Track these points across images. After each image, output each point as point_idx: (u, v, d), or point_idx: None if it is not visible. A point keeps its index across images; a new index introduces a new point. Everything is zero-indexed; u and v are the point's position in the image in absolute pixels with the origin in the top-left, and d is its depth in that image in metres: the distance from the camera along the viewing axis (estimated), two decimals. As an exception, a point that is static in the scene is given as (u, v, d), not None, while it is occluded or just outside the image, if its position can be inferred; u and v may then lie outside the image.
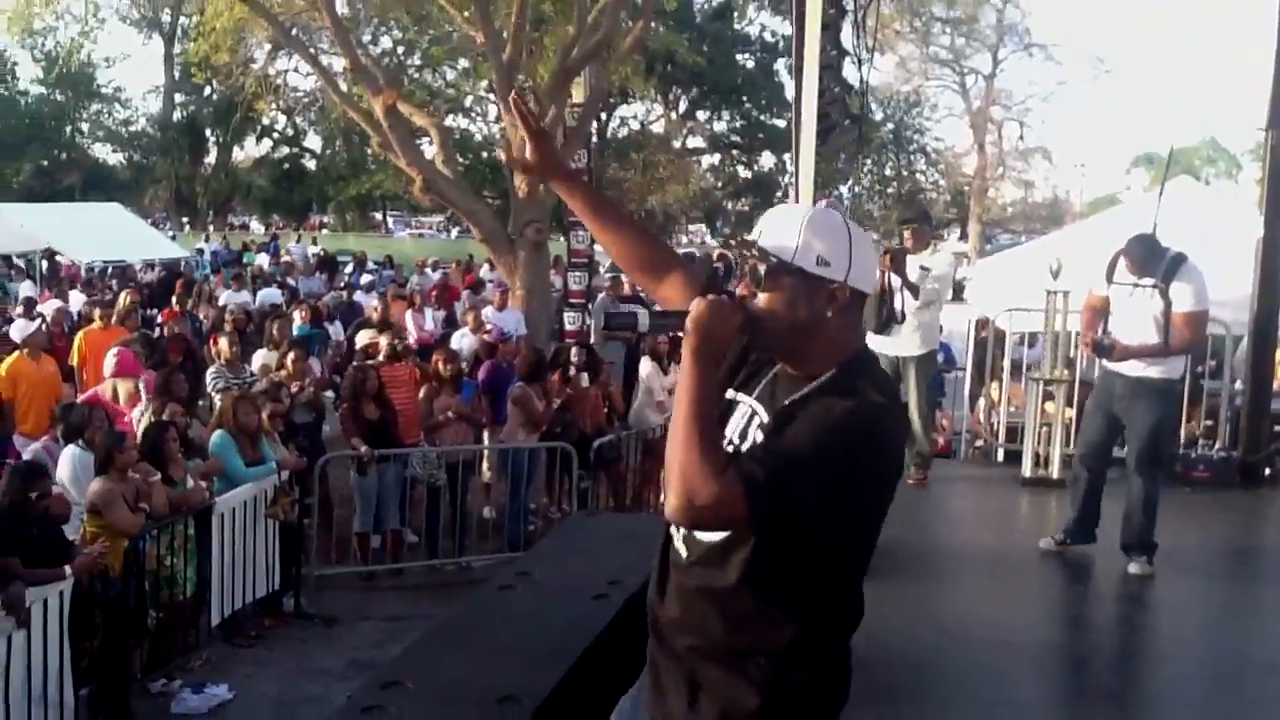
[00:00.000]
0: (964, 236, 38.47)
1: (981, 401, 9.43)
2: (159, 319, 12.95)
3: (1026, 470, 7.25)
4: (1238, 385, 8.14)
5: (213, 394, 8.82)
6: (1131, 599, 5.32)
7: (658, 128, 38.96)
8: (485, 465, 9.50)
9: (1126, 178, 53.52)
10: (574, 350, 9.84)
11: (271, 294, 16.64)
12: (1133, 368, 5.45)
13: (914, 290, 6.69)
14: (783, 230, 2.10)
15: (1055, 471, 7.23)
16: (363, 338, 10.46)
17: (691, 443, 1.98)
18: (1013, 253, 14.94)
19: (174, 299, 13.46)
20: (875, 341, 7.03)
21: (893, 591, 4.70)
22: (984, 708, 4.19)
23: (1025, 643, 4.69)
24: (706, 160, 41.35)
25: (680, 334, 2.09)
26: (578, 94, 13.64)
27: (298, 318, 12.54)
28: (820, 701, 2.16)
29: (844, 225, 2.09)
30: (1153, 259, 5.34)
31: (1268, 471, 7.64)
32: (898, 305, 6.84)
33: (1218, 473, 7.36)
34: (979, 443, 8.67)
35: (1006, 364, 8.56)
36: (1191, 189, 12.07)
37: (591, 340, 13.35)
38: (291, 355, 9.31)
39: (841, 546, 2.10)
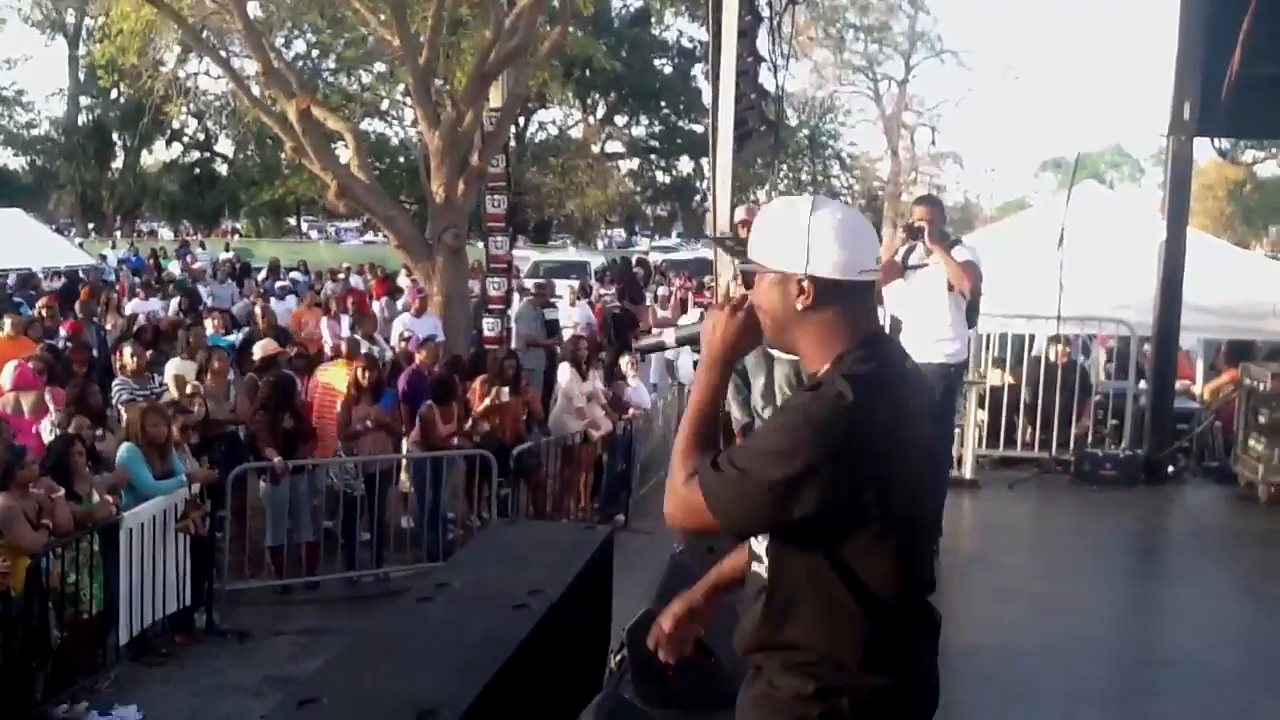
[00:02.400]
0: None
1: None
2: (62, 329, 12.56)
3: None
4: (1142, 385, 8.38)
5: (118, 406, 8.58)
6: (1037, 595, 5.43)
7: (576, 133, 39.00)
8: (403, 474, 9.38)
9: (1035, 181, 54.95)
10: (506, 363, 9.72)
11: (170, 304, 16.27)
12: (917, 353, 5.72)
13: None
14: (755, 226, 2.12)
15: (968, 472, 7.37)
16: (261, 348, 10.20)
17: (677, 448, 2.04)
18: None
19: (76, 307, 13.08)
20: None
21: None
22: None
23: (946, 643, 4.76)
24: (625, 165, 41.53)
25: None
26: (495, 98, 13.53)
27: (210, 326, 12.27)
28: None
29: (801, 213, 2.03)
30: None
31: (1171, 469, 7.88)
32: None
33: (1124, 471, 7.57)
34: None
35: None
36: (1097, 194, 12.42)
37: (512, 345, 13.29)
38: (215, 360, 9.11)
39: (830, 546, 1.97)
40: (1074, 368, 8.77)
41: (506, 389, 9.35)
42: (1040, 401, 8.49)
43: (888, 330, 4.81)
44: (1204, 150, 9.09)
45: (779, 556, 2.03)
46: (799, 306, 2.02)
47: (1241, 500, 7.39)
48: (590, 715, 2.88)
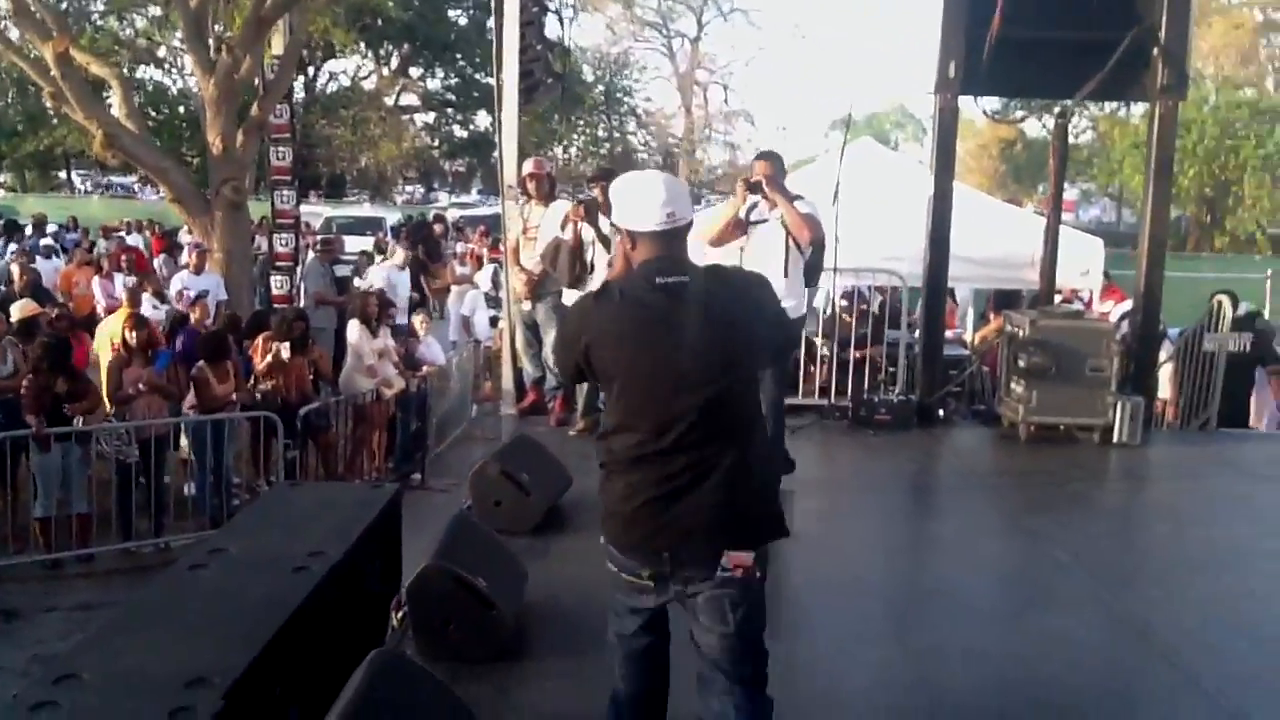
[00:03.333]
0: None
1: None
2: None
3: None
4: (916, 334, 8.80)
5: None
6: (813, 536, 5.66)
7: (369, 85, 37.85)
8: (183, 439, 8.97)
9: (825, 140, 56.62)
10: (295, 323, 9.36)
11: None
12: None
13: (606, 243, 6.79)
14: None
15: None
16: (19, 309, 9.54)
17: None
18: (710, 212, 15.50)
19: None
20: (569, 296, 7.14)
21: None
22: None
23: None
24: (420, 119, 40.59)
25: None
26: (277, 45, 12.97)
27: (-37, 286, 11.41)
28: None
29: (629, 180, 3.16)
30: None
31: (941, 412, 8.34)
32: (588, 258, 6.97)
33: (897, 415, 7.94)
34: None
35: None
36: (876, 151, 12.88)
37: (301, 303, 12.87)
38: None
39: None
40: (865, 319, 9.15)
41: (287, 345, 9.04)
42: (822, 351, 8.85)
43: None
44: (980, 112, 9.55)
45: None
46: (627, 246, 3.09)
47: (1004, 440, 7.88)
48: (361, 673, 2.84)
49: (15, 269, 11.98)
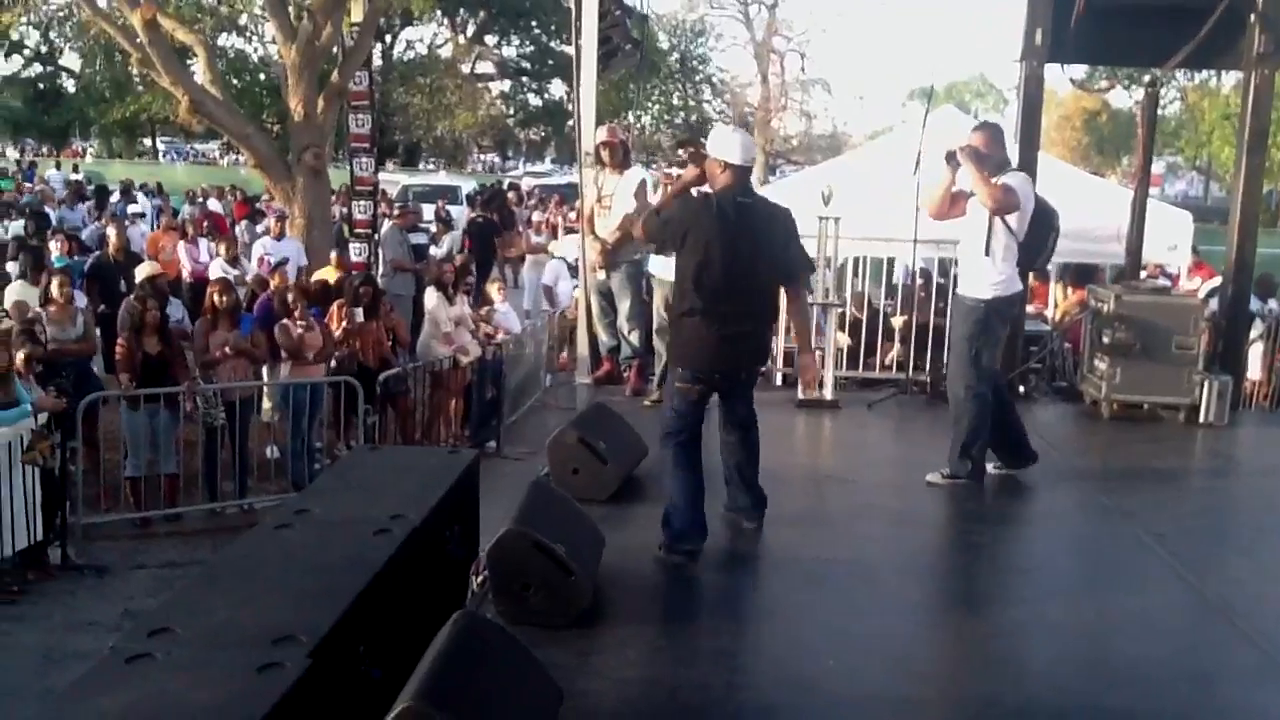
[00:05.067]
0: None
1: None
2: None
3: (801, 393, 7.54)
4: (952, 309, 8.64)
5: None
6: (892, 510, 5.63)
7: (445, 52, 38.01)
8: (267, 403, 9.17)
9: (903, 110, 55.75)
10: (360, 286, 9.54)
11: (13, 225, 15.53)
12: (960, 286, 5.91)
13: None
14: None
15: (829, 393, 7.55)
16: (146, 269, 9.86)
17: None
18: (789, 181, 15.36)
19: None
20: (656, 263, 7.14)
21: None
22: (763, 616, 4.38)
23: (805, 557, 4.92)
24: (496, 87, 40.69)
25: None
26: (356, 12, 13.08)
27: (55, 248, 11.74)
28: None
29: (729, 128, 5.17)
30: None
31: (1022, 389, 8.20)
32: None
33: (977, 390, 7.81)
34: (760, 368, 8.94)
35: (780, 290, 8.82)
36: (958, 121, 12.62)
37: (380, 271, 13.04)
38: (56, 281, 8.72)
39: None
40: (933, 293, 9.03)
41: (360, 310, 9.19)
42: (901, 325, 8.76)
43: None
44: (1064, 82, 9.33)
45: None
46: (718, 170, 4.69)
47: (1086, 417, 7.73)
48: (446, 633, 2.89)
49: (112, 232, 12.28)
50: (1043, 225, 5.75)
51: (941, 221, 5.99)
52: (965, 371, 5.80)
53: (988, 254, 5.63)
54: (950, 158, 5.66)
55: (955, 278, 7.45)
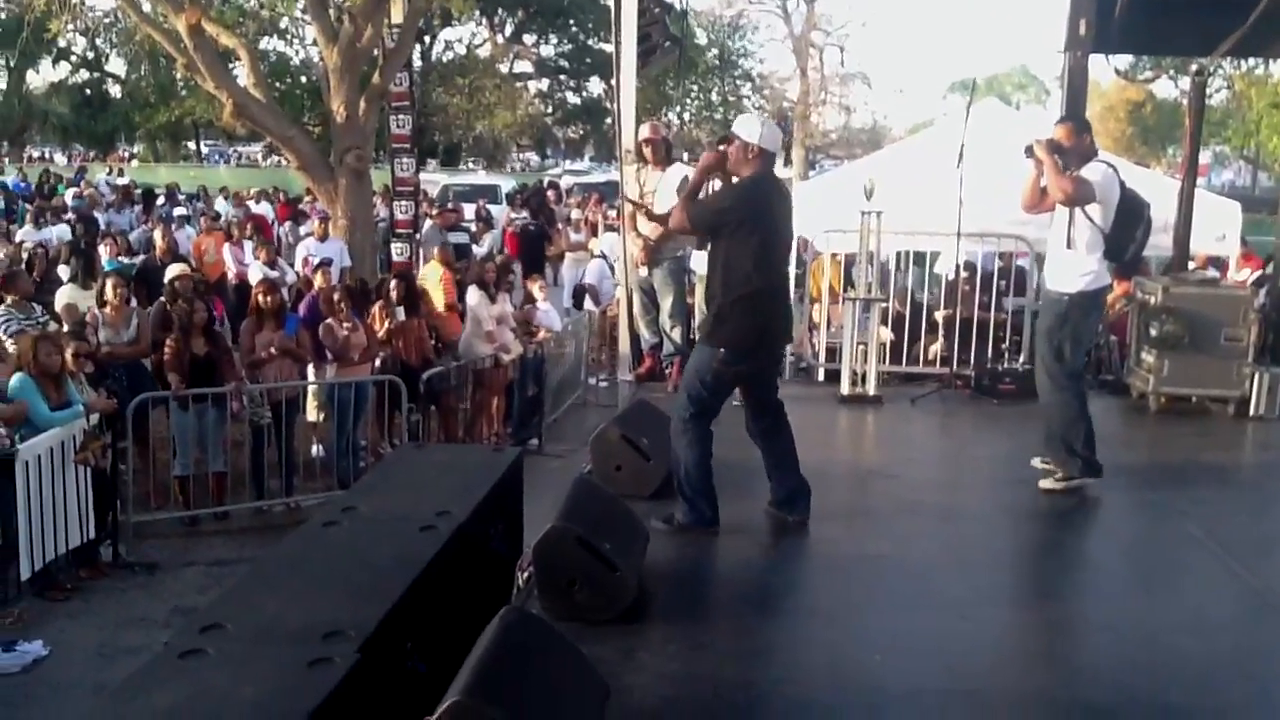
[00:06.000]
0: (788, 162, 39.13)
1: (804, 322, 9.67)
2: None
3: (845, 388, 7.50)
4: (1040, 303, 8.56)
5: (3, 338, 8.30)
6: (936, 505, 5.59)
7: (484, 52, 38.15)
8: (311, 402, 9.26)
9: (944, 104, 55.36)
10: (394, 284, 9.62)
11: (60, 230, 15.76)
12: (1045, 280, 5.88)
13: None
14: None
15: (871, 389, 7.51)
16: (174, 270, 9.99)
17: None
18: (830, 176, 15.27)
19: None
20: (699, 259, 7.12)
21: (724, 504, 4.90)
22: (805, 613, 4.37)
23: (850, 553, 4.90)
24: (535, 86, 40.78)
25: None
26: (396, 13, 13.17)
27: (105, 252, 11.93)
28: None
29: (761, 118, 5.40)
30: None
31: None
32: None
33: (1022, 385, 7.73)
34: (802, 363, 8.91)
35: (825, 285, 8.80)
36: (1001, 113, 12.53)
37: (420, 270, 13.12)
38: (111, 284, 8.85)
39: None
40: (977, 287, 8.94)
41: (401, 309, 9.26)
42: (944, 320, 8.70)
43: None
44: (1106, 73, 9.23)
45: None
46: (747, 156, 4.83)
47: (1134, 411, 7.64)
48: (493, 629, 2.91)
49: (158, 235, 12.47)
50: (1131, 217, 5.59)
51: (1034, 214, 5.92)
52: (1050, 367, 5.70)
53: (1069, 247, 5.55)
54: (1029, 151, 5.60)
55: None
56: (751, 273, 4.66)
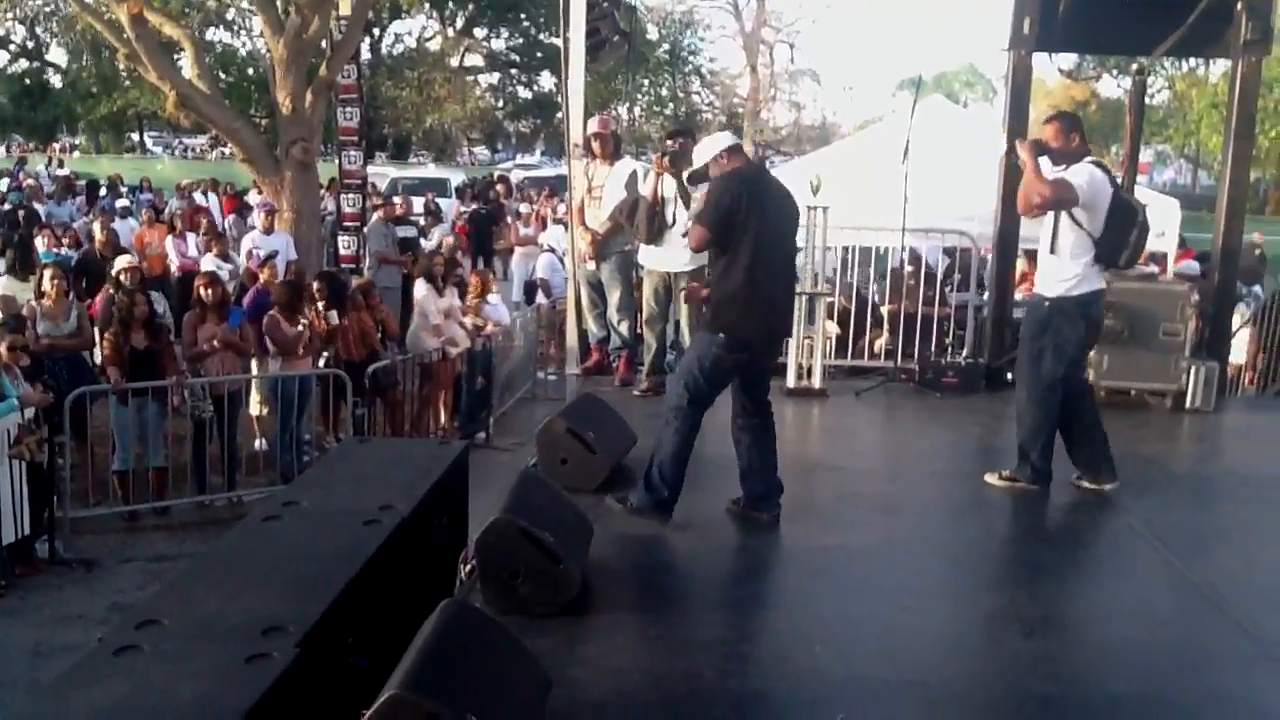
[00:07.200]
0: (740, 158, 39.20)
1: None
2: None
3: (790, 382, 7.54)
4: (985, 296, 8.67)
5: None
6: (878, 496, 5.64)
7: (434, 45, 37.87)
8: (255, 395, 9.15)
9: (892, 101, 55.71)
10: (315, 286, 9.44)
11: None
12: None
13: (686, 198, 6.64)
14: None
15: (817, 382, 7.56)
16: (121, 262, 9.82)
17: None
18: (779, 172, 15.32)
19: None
20: (645, 254, 7.13)
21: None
22: (742, 602, 4.39)
23: (795, 545, 4.93)
24: (485, 80, 40.53)
25: None
26: (344, 5, 13.03)
27: (42, 244, 11.71)
28: None
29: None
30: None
31: (1009, 375, 8.20)
32: (669, 214, 6.90)
33: (965, 378, 7.84)
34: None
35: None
36: (947, 111, 12.68)
37: (366, 264, 13.02)
38: (49, 275, 8.68)
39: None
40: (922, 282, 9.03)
41: (334, 312, 9.14)
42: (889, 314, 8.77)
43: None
44: (1052, 72, 9.34)
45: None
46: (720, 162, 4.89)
47: (1074, 404, 7.75)
48: (432, 622, 2.89)
49: (97, 228, 12.24)
50: (1123, 220, 5.39)
51: (1028, 217, 5.83)
52: (1026, 372, 5.62)
53: (1053, 251, 5.44)
54: (1010, 151, 5.53)
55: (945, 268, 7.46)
56: (752, 263, 4.63)
